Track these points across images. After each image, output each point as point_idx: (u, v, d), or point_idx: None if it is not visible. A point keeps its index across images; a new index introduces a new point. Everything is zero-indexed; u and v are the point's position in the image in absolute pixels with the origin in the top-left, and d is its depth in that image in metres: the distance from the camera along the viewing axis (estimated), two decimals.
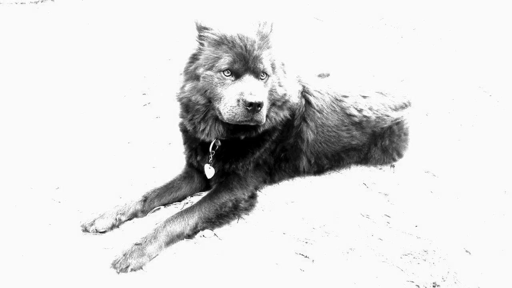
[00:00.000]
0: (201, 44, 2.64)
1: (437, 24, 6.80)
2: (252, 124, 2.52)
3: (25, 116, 4.08)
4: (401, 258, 2.53)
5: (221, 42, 2.55)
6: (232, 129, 2.66)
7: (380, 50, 5.93)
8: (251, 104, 2.39)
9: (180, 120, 2.91)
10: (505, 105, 4.62)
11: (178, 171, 3.05)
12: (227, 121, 2.52)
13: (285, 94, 2.76)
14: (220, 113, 2.54)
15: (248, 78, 2.50)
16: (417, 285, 2.35)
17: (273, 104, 2.72)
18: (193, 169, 3.00)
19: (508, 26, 6.78)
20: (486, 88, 5.04)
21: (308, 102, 3.00)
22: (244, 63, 2.51)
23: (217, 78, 2.52)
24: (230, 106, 2.44)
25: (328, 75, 3.59)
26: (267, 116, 2.68)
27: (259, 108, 2.42)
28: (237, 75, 2.53)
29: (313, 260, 2.49)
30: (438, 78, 5.22)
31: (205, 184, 3.00)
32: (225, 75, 2.52)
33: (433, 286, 2.34)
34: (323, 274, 2.39)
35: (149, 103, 4.21)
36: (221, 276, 2.35)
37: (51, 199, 2.92)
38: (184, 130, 2.93)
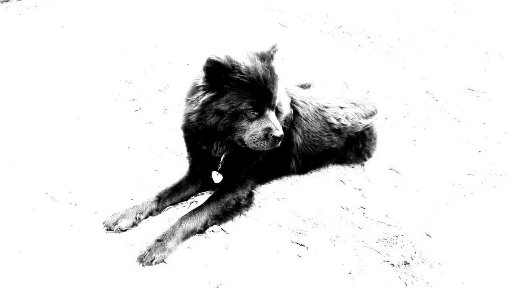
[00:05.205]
0: (228, 85, 2.81)
1: (388, 33, 7.49)
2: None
3: (21, 121, 4.17)
4: (377, 242, 3.05)
5: (245, 84, 2.81)
6: (244, 148, 3.03)
7: (344, 57, 6.49)
8: (279, 138, 2.91)
9: (185, 134, 3.20)
10: (449, 109, 5.34)
11: (183, 173, 3.38)
12: (252, 148, 2.96)
13: (282, 113, 3.19)
14: (241, 141, 2.96)
15: (270, 114, 2.95)
16: (391, 264, 2.88)
17: None
18: (197, 172, 3.34)
19: (448, 35, 7.63)
20: (432, 93, 5.75)
21: (296, 112, 3.43)
22: (265, 102, 2.91)
23: (243, 113, 2.88)
24: (257, 139, 2.91)
25: (309, 86, 4.05)
26: None
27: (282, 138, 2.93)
28: (260, 111, 2.93)
29: (307, 248, 2.96)
30: (393, 84, 5.85)
31: (207, 184, 3.36)
32: (250, 112, 2.89)
33: (405, 264, 2.89)
34: (317, 258, 2.87)
35: (140, 109, 4.46)
36: (231, 264, 2.76)
37: (68, 202, 3.16)
38: (187, 139, 3.22)
